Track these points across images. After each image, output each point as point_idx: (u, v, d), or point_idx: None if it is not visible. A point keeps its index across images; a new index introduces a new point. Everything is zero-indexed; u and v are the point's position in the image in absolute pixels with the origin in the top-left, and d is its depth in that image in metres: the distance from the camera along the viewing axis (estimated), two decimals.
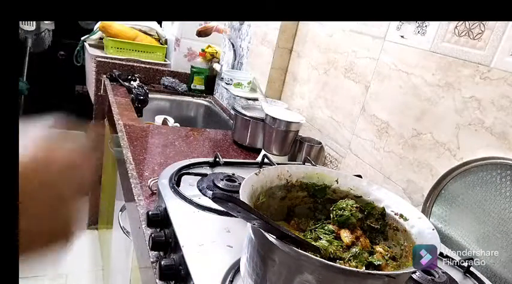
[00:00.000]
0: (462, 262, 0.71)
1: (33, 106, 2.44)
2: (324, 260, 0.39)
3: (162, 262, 0.60)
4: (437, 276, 0.65)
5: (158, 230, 0.72)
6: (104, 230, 1.96)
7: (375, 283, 0.39)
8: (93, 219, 2.11)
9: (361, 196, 0.60)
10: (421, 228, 0.49)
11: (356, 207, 0.57)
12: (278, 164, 0.97)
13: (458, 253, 0.77)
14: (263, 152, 1.20)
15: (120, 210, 1.15)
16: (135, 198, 0.91)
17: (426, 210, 0.87)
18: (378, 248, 0.53)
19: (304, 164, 1.04)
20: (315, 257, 0.40)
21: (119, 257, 1.42)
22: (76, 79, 2.54)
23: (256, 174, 0.58)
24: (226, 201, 0.36)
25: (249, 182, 0.55)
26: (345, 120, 1.17)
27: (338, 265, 0.39)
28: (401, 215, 0.53)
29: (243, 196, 0.50)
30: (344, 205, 0.58)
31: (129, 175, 1.01)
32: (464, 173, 0.80)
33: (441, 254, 0.74)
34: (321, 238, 0.56)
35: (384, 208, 0.56)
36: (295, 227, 0.61)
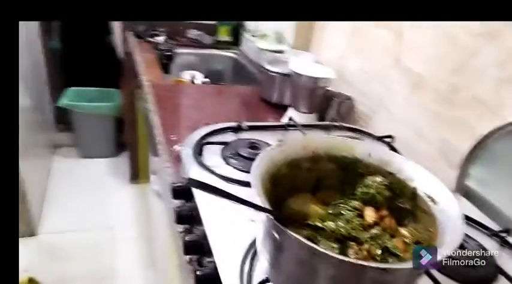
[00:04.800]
0: (500, 233, 0.67)
1: (67, 65, 2.48)
2: (305, 241, 0.37)
3: (186, 238, 0.61)
4: (469, 248, 0.62)
5: (183, 202, 0.73)
6: (144, 184, 2.06)
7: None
8: (133, 174, 2.20)
9: (393, 173, 0.56)
10: (448, 214, 0.45)
11: (384, 185, 0.54)
12: (304, 126, 0.94)
13: (496, 220, 0.72)
14: (288, 113, 1.15)
15: (153, 173, 1.18)
16: (163, 165, 0.92)
17: (464, 172, 0.82)
18: (403, 231, 0.50)
19: (332, 123, 1.00)
20: (298, 236, 0.38)
21: (157, 211, 1.48)
22: (107, 30, 2.49)
23: (278, 145, 0.56)
24: (201, 187, 0.36)
25: (268, 154, 0.53)
26: (376, 72, 1.09)
27: (317, 246, 0.37)
28: (431, 198, 0.49)
29: (257, 168, 0.48)
30: (370, 183, 0.55)
31: (157, 141, 1.02)
32: (507, 134, 0.73)
33: (478, 223, 0.70)
34: (342, 214, 0.54)
35: (415, 189, 0.52)
36: (320, 200, 0.59)
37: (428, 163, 0.90)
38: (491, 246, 0.66)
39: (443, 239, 0.43)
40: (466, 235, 0.66)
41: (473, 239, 0.65)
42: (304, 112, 1.17)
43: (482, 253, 0.62)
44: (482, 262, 0.60)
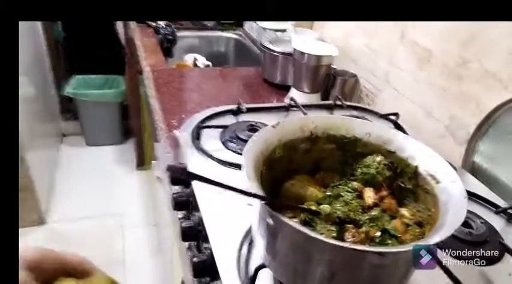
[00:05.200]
0: (508, 209, 0.65)
1: (71, 55, 2.46)
2: (296, 226, 0.35)
3: (182, 225, 0.60)
4: (475, 227, 0.60)
5: (182, 187, 0.72)
6: (151, 170, 2.06)
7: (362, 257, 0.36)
8: (140, 160, 2.20)
9: (394, 152, 0.53)
10: (451, 193, 0.43)
11: (384, 165, 0.52)
12: (306, 106, 0.91)
13: (504, 197, 0.70)
14: (290, 93, 1.13)
15: (155, 159, 1.18)
16: (163, 150, 0.90)
17: (471, 148, 0.79)
18: (404, 211, 0.48)
19: (335, 103, 0.97)
20: (290, 222, 0.36)
21: (162, 197, 1.48)
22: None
23: (273, 126, 0.53)
24: (180, 173, 0.34)
25: (262, 136, 0.51)
26: (382, 48, 1.05)
27: (309, 231, 0.36)
28: (433, 177, 0.47)
29: (248, 151, 0.46)
30: (370, 162, 0.52)
31: (156, 126, 1.01)
32: None
33: (485, 200, 0.68)
34: (341, 196, 0.52)
35: (416, 167, 0.50)
36: (319, 182, 0.57)
37: (435, 141, 0.88)
38: (498, 223, 0.63)
39: (445, 219, 0.41)
40: (473, 213, 0.64)
41: (480, 217, 0.63)
42: (308, 92, 1.14)
43: (489, 231, 0.60)
44: (489, 241, 0.58)
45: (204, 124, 0.82)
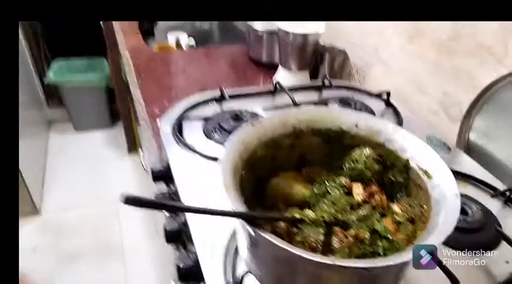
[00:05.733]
0: (506, 191, 0.63)
1: (50, 38, 2.35)
2: (278, 243, 0.33)
3: (167, 228, 0.58)
4: (471, 214, 0.57)
5: (165, 185, 0.69)
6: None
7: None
8: (131, 145, 2.16)
9: (383, 144, 0.50)
10: (443, 191, 0.40)
11: (373, 158, 0.49)
12: (292, 90, 0.87)
13: (502, 178, 0.67)
14: (277, 73, 1.08)
15: (141, 148, 1.14)
16: (147, 144, 0.87)
17: (466, 126, 0.76)
18: (395, 207, 0.46)
19: (323, 83, 0.93)
20: (271, 238, 0.34)
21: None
22: None
23: (252, 125, 0.50)
24: (139, 205, 0.31)
25: (239, 137, 0.47)
26: (371, 22, 1.00)
27: (290, 248, 0.33)
28: (425, 172, 0.44)
29: (226, 158, 0.43)
30: (357, 157, 0.49)
31: (139, 117, 0.97)
32: None
33: (482, 182, 0.65)
34: (329, 193, 0.49)
35: (407, 160, 0.47)
36: (305, 177, 0.54)
37: (429, 118, 0.85)
38: (495, 207, 0.61)
39: (437, 220, 0.39)
40: (468, 197, 0.61)
41: (476, 201, 0.60)
42: (295, 72, 1.09)
43: (485, 217, 0.58)
44: (485, 228, 0.56)
45: (187, 115, 0.78)
